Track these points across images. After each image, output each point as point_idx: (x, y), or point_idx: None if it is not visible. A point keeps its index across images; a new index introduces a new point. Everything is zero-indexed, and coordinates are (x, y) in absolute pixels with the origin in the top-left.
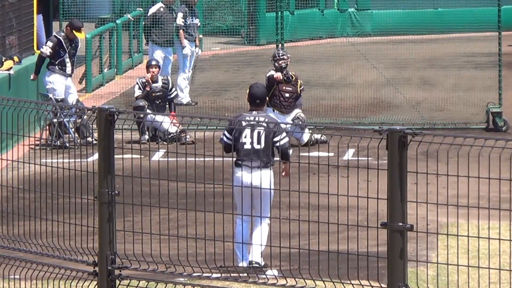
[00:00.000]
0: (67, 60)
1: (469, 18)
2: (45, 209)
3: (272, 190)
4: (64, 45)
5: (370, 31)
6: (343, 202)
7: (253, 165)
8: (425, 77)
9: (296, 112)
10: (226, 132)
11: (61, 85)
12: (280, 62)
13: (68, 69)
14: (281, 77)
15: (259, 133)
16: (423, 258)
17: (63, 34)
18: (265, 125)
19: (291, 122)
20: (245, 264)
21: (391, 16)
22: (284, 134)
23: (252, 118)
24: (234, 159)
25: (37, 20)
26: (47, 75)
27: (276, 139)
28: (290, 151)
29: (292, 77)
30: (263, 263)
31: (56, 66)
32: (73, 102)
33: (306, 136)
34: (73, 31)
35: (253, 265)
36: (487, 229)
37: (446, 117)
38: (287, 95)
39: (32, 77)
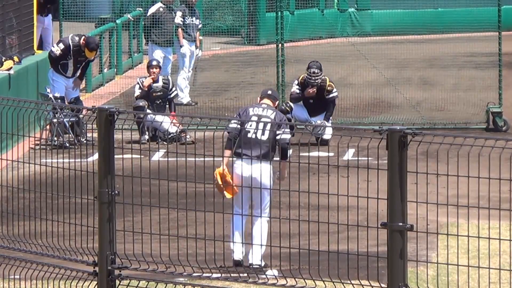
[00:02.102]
0: (70, 65)
1: (469, 18)
2: (45, 209)
3: (271, 185)
4: (70, 52)
5: (370, 31)
6: (343, 202)
7: (253, 156)
8: (425, 77)
9: (321, 122)
10: (233, 121)
11: (62, 84)
12: (316, 80)
13: (69, 73)
14: (313, 91)
15: (265, 124)
16: (423, 258)
17: (76, 41)
18: (272, 118)
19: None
20: (237, 256)
21: (391, 16)
22: (287, 130)
23: (261, 110)
24: (235, 150)
25: (47, 20)
26: (50, 73)
27: (278, 132)
28: (290, 151)
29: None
30: (263, 264)
31: (59, 66)
32: (71, 99)
33: (327, 136)
34: (86, 48)
35: (253, 266)
36: (487, 229)
37: (446, 117)
38: (310, 101)
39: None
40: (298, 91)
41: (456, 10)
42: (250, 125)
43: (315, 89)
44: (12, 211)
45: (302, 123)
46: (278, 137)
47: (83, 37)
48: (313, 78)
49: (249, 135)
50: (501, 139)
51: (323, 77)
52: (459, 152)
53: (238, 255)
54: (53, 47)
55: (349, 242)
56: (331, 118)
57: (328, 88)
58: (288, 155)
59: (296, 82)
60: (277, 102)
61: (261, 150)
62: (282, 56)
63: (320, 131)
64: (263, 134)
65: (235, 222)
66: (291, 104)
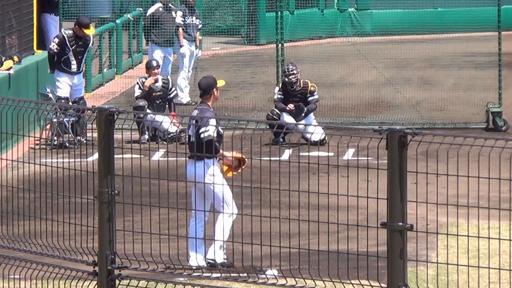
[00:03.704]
0: (72, 58)
1: (469, 18)
2: (45, 209)
3: (219, 183)
4: (68, 43)
5: (370, 31)
6: (343, 202)
7: (190, 158)
8: (425, 77)
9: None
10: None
11: (65, 84)
12: (290, 77)
13: (73, 67)
14: (293, 108)
15: (194, 126)
16: (423, 258)
17: (70, 32)
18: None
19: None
20: (200, 262)
21: (391, 16)
22: (206, 127)
23: (195, 112)
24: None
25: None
26: (55, 74)
27: (200, 131)
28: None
29: (299, 87)
30: (218, 260)
31: (61, 64)
32: (75, 99)
33: (317, 135)
34: (82, 28)
35: (208, 260)
36: (487, 229)
37: (446, 117)
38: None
39: (49, 71)
40: (281, 96)
41: (456, 10)
42: (190, 130)
43: (293, 105)
44: (12, 211)
45: (291, 123)
46: (200, 136)
47: (74, 25)
48: (289, 74)
49: (191, 139)
50: (501, 139)
51: (304, 81)
52: (459, 152)
53: (193, 262)
54: (50, 44)
55: (349, 242)
56: (313, 116)
57: (311, 88)
58: (212, 149)
59: (277, 89)
60: (211, 94)
61: (198, 151)
62: (282, 56)
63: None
64: (194, 136)
65: (190, 228)
66: (278, 111)
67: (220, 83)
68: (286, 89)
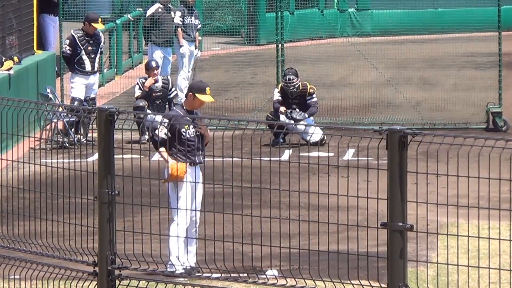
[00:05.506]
0: (84, 57)
1: (469, 18)
2: (45, 209)
3: (168, 187)
4: (78, 42)
5: (370, 31)
6: (343, 202)
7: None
8: (425, 77)
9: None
10: None
11: (80, 85)
12: (291, 87)
13: (87, 67)
14: (285, 112)
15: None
16: (423, 258)
17: (80, 32)
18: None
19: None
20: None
21: (391, 16)
22: (158, 129)
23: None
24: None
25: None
26: (70, 75)
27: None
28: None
29: (299, 89)
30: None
31: (75, 65)
32: (86, 97)
33: (317, 136)
34: (91, 24)
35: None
36: (487, 229)
37: (446, 117)
38: (293, 106)
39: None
40: (280, 98)
41: (456, 10)
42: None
43: (285, 110)
44: (12, 211)
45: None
46: None
47: (83, 22)
48: (289, 85)
49: None
50: (501, 139)
51: (303, 83)
52: (459, 152)
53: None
54: (63, 48)
55: (349, 242)
56: (312, 117)
57: (310, 90)
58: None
59: (276, 90)
60: (187, 96)
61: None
62: (282, 56)
63: (305, 130)
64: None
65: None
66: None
67: (206, 98)
68: (285, 91)
